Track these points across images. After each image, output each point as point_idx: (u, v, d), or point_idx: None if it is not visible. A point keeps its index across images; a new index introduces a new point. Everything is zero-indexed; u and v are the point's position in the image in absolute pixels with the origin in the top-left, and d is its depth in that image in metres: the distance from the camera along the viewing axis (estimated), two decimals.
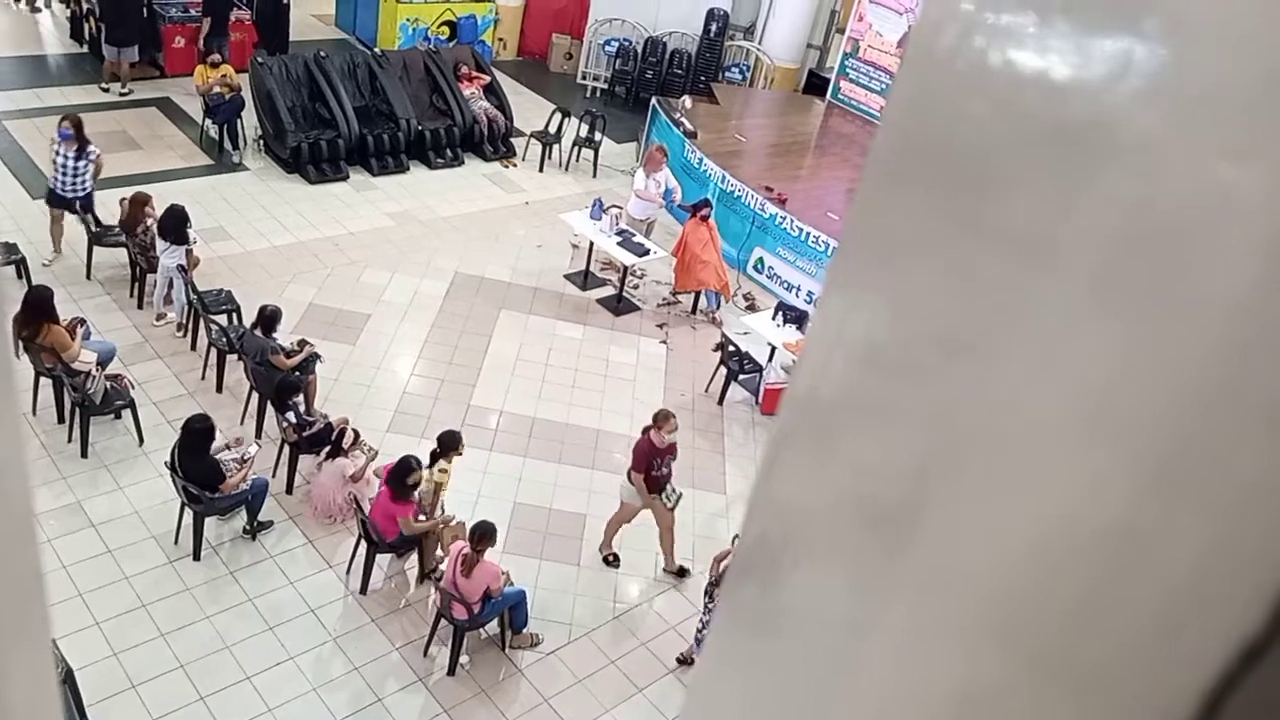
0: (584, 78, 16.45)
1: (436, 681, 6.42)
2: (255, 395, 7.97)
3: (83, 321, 8.02)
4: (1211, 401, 0.38)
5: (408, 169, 12.49)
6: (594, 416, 8.91)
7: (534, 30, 17.16)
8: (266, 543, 7.10)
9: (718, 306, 10.68)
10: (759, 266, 11.46)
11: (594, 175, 13.27)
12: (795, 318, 9.47)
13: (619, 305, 10.57)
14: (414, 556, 7.09)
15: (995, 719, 0.48)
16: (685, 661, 6.73)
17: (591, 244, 10.73)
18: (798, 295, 10.87)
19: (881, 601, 0.55)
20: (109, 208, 9.55)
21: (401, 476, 6.69)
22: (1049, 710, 0.45)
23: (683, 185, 11.42)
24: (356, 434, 7.57)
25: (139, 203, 9.02)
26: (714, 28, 15.79)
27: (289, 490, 7.53)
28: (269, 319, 7.91)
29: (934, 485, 0.50)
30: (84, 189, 9.33)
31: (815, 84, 15.97)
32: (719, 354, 9.44)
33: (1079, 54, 0.44)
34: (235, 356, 8.28)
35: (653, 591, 7.37)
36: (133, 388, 7.82)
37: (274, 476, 7.46)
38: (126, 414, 7.71)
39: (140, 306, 9.14)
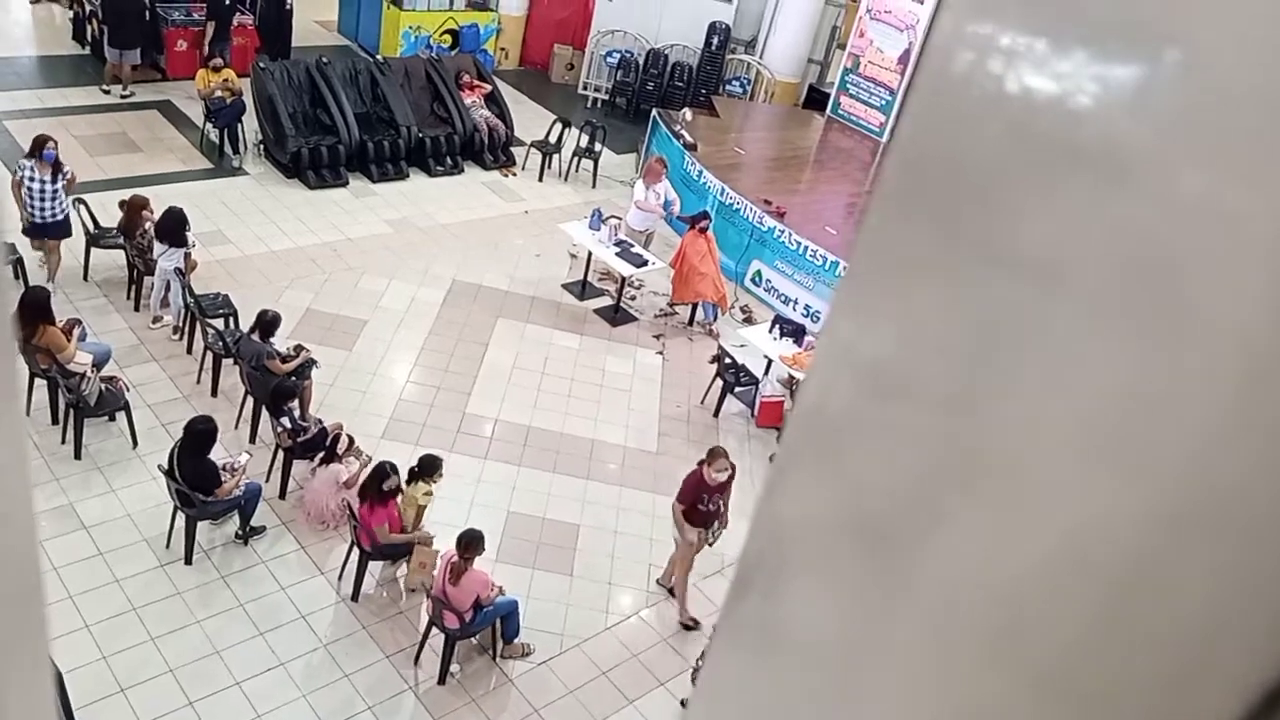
0: (585, 88, 16.49)
1: (427, 690, 6.39)
2: (250, 400, 7.95)
3: (78, 323, 8.00)
4: (1224, 429, 0.38)
5: (408, 176, 12.50)
6: (589, 426, 8.90)
7: (536, 40, 17.20)
8: (258, 548, 7.08)
9: (715, 318, 10.69)
10: (756, 279, 11.47)
11: (593, 185, 13.29)
12: (792, 331, 9.47)
13: (616, 315, 10.57)
14: (405, 565, 7.06)
15: None
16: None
17: (590, 254, 10.74)
18: (795, 309, 10.88)
19: (883, 621, 0.55)
20: (108, 210, 9.53)
21: (378, 482, 6.68)
22: None
23: (682, 197, 11.44)
24: (351, 440, 7.56)
25: (137, 207, 9.00)
26: (715, 41, 15.84)
27: (282, 495, 7.51)
28: (268, 324, 7.90)
29: (939, 508, 0.50)
30: (64, 211, 8.93)
31: (815, 99, 16.01)
32: (715, 366, 9.44)
33: (1089, 79, 0.44)
34: (231, 360, 8.27)
35: (645, 603, 7.35)
36: (128, 390, 7.80)
37: (267, 481, 7.44)
38: (121, 416, 7.69)
39: (137, 309, 9.12)
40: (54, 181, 8.81)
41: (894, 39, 14.08)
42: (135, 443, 7.65)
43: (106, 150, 11.60)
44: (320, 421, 7.72)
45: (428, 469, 6.91)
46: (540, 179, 13.21)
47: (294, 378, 7.83)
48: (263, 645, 6.39)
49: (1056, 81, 0.45)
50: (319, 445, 7.49)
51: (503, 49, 16.92)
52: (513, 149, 13.48)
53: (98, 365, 7.64)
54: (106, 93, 12.81)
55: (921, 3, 13.58)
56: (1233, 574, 0.38)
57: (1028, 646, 0.45)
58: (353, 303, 9.84)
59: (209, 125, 12.10)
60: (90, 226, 9.26)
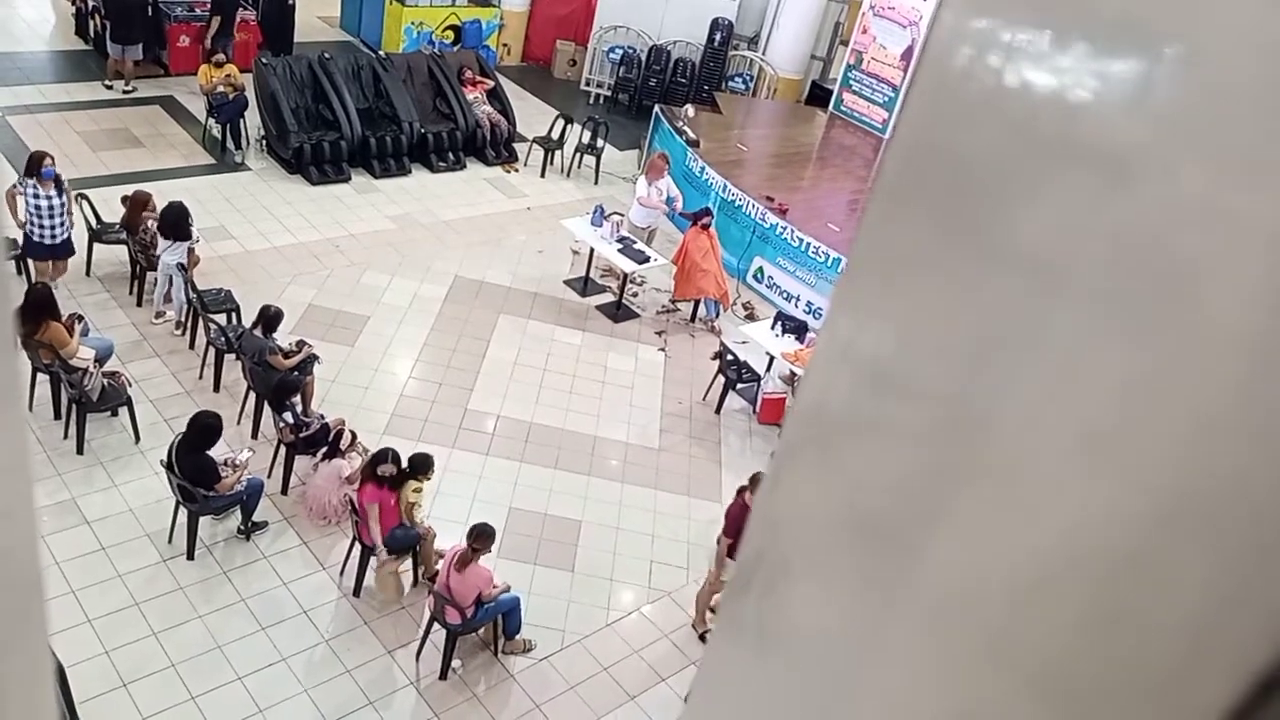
0: (588, 84, 16.47)
1: (428, 686, 6.40)
2: (252, 395, 7.96)
3: (81, 318, 8.01)
4: (1222, 427, 0.38)
5: (410, 172, 12.50)
6: (591, 423, 8.90)
7: (538, 36, 17.19)
8: (260, 543, 7.09)
9: (717, 315, 10.69)
10: (759, 276, 11.47)
11: (596, 182, 13.28)
12: (794, 328, 9.47)
13: (618, 312, 10.57)
14: (409, 560, 7.07)
15: None
16: None
17: (592, 250, 10.74)
18: (797, 305, 10.88)
19: (881, 618, 0.55)
20: (110, 205, 9.54)
21: (373, 465, 6.68)
22: None
23: (684, 193, 11.43)
24: (354, 435, 7.56)
25: (139, 203, 9.00)
26: (718, 37, 15.82)
27: (284, 491, 7.52)
28: (270, 319, 7.90)
29: (937, 506, 0.50)
30: (68, 229, 8.60)
31: (818, 95, 16.00)
32: (717, 362, 9.44)
33: (1091, 76, 0.44)
34: (233, 356, 8.27)
35: (646, 600, 7.36)
36: (130, 385, 7.81)
37: (269, 477, 7.45)
38: (123, 411, 7.70)
39: (139, 304, 9.13)
40: (60, 196, 8.49)
41: (897, 35, 14.06)
42: (137, 438, 7.66)
43: (109, 146, 11.60)
44: (322, 417, 7.73)
45: (418, 467, 6.90)
46: (542, 175, 13.20)
47: (296, 373, 7.84)
48: (264, 640, 6.40)
49: (1056, 78, 0.45)
50: (321, 441, 7.50)
51: (505, 45, 16.91)
52: (515, 145, 13.47)
53: (100, 360, 7.65)
54: (108, 88, 12.81)
55: None
56: (1228, 567, 0.38)
57: (1025, 643, 0.45)
58: (355, 298, 9.85)
59: (211, 121, 12.10)
60: (93, 222, 9.27)
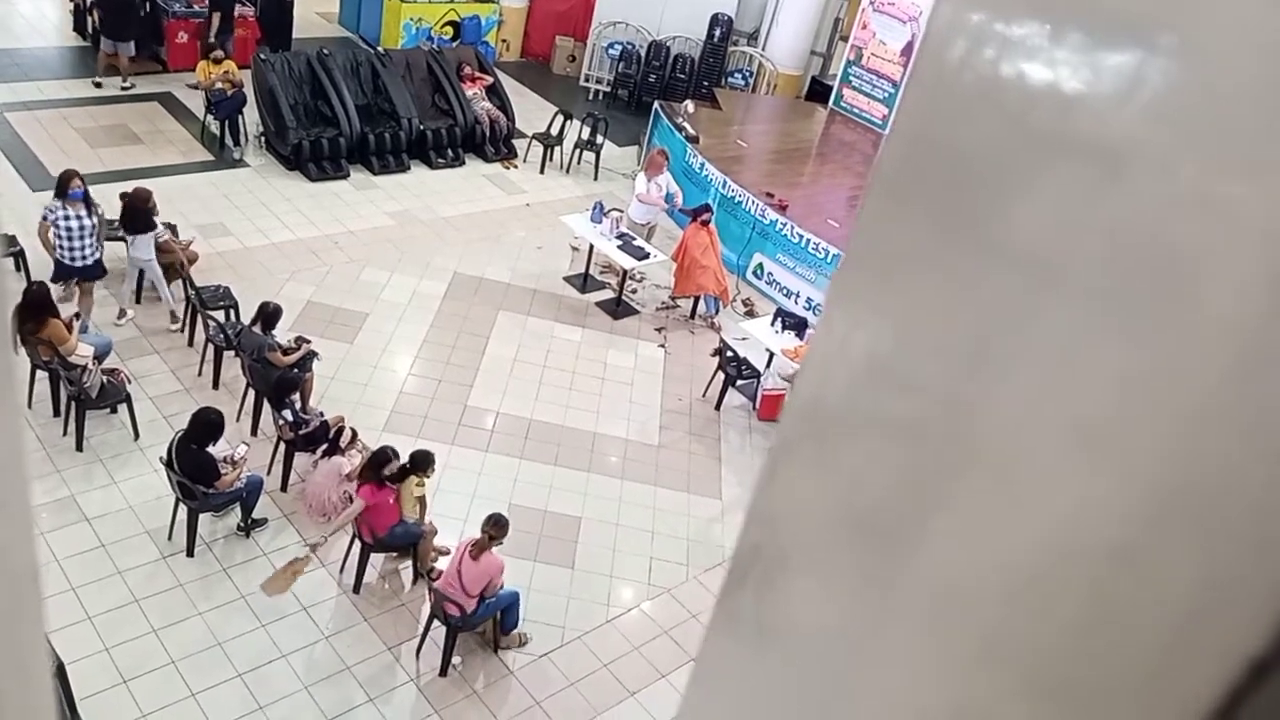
0: (587, 80, 16.46)
1: (428, 682, 6.41)
2: (252, 392, 7.96)
3: (79, 315, 8.00)
4: (1215, 422, 0.38)
5: (409, 168, 12.49)
6: (591, 419, 8.91)
7: (537, 32, 17.17)
8: (260, 540, 7.09)
9: (716, 311, 10.69)
10: (759, 272, 11.47)
11: (595, 178, 13.27)
12: (794, 324, 9.47)
13: (618, 309, 10.57)
14: (408, 557, 7.08)
15: None
16: None
17: (591, 247, 10.73)
18: (797, 302, 10.88)
19: (876, 615, 0.55)
20: (109, 202, 9.52)
21: (377, 467, 6.68)
22: None
23: (684, 190, 11.43)
24: (354, 432, 7.56)
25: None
26: (718, 33, 15.81)
27: (284, 488, 7.52)
28: (269, 316, 7.90)
29: (933, 502, 0.50)
30: (98, 250, 8.27)
31: (818, 91, 15.99)
32: (717, 359, 9.45)
33: (1088, 70, 0.44)
34: (232, 353, 8.27)
35: (646, 596, 7.36)
36: (129, 382, 7.81)
37: (269, 474, 7.46)
38: (122, 408, 7.70)
39: (139, 301, 9.12)
40: (89, 216, 8.18)
41: (897, 31, 14.05)
42: (137, 435, 7.66)
43: (107, 142, 11.60)
44: (322, 414, 7.73)
45: (419, 464, 6.91)
46: (542, 171, 13.19)
47: (295, 370, 7.84)
48: (264, 637, 6.40)
49: (1053, 72, 0.45)
50: (321, 438, 7.50)
51: (504, 41, 16.89)
52: (514, 141, 13.46)
53: (99, 357, 7.65)
54: (97, 85, 12.70)
55: None
56: (1222, 560, 0.38)
57: (1021, 636, 0.45)
58: (354, 295, 9.85)
59: (210, 117, 12.09)
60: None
